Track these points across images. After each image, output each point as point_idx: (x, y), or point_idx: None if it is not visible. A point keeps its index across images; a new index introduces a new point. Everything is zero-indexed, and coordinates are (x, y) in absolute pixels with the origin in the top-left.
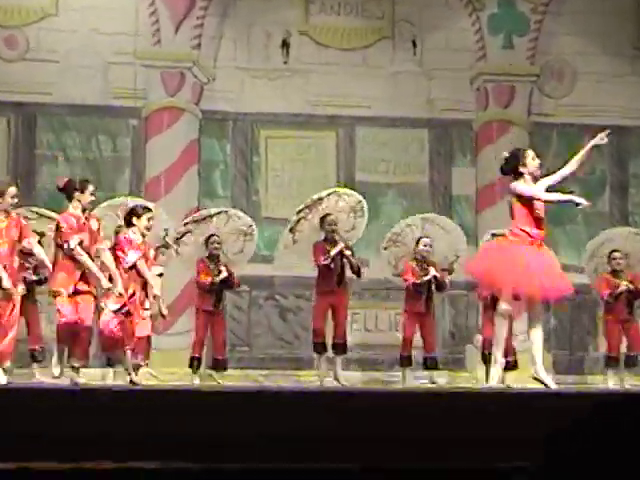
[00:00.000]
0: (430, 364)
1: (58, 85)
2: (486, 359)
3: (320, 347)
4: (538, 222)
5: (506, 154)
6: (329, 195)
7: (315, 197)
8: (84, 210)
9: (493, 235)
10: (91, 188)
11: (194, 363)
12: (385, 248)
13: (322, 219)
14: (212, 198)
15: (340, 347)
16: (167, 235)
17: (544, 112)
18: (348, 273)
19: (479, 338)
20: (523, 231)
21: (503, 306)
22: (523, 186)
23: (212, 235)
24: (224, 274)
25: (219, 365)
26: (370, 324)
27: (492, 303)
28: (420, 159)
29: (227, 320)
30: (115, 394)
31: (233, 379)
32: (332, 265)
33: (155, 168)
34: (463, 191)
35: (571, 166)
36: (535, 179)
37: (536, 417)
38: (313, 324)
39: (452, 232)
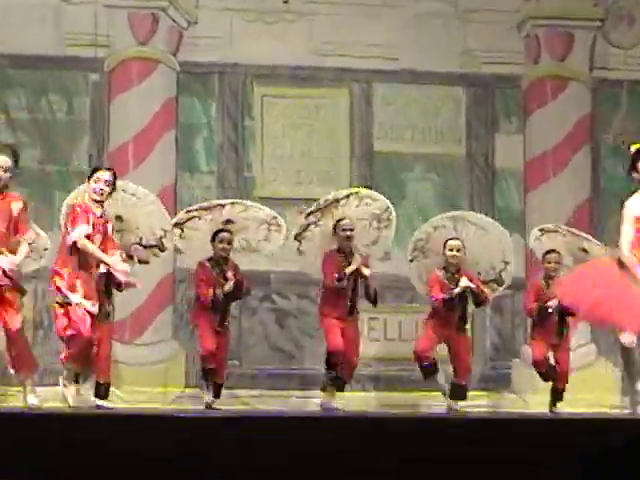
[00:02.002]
0: (458, 394)
1: None
2: (546, 379)
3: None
4: None
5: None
6: (348, 197)
7: (330, 197)
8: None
9: (542, 231)
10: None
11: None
12: (411, 260)
13: (336, 223)
14: (193, 172)
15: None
16: (165, 237)
17: (610, 66)
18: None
19: (528, 351)
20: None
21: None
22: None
23: (220, 231)
24: (230, 284)
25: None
26: (392, 332)
27: (540, 317)
28: (455, 124)
29: None
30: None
31: (217, 401)
32: (344, 286)
33: (121, 135)
34: (508, 164)
35: None
36: None
37: None
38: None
39: (492, 231)
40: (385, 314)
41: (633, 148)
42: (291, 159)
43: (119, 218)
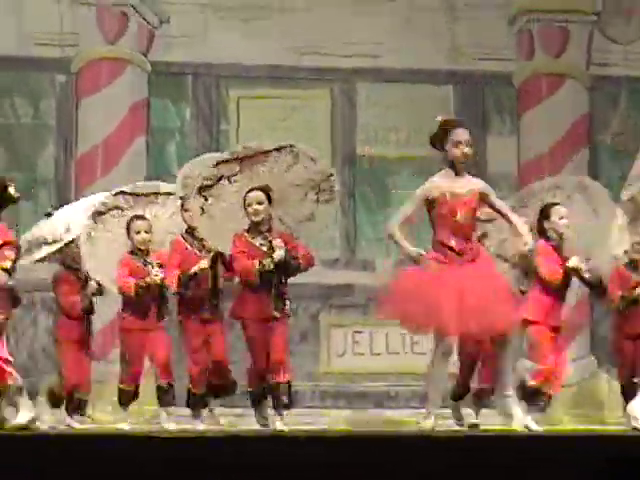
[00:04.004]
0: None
1: None
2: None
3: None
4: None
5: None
6: (280, 150)
7: (253, 146)
8: None
9: None
10: None
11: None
12: (514, 264)
13: (246, 193)
14: (165, 179)
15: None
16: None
17: (608, 62)
18: None
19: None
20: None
21: None
22: None
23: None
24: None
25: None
26: (378, 346)
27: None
28: None
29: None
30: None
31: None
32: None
33: (89, 139)
34: (501, 167)
35: None
36: None
37: None
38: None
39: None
40: (371, 327)
41: None
42: None
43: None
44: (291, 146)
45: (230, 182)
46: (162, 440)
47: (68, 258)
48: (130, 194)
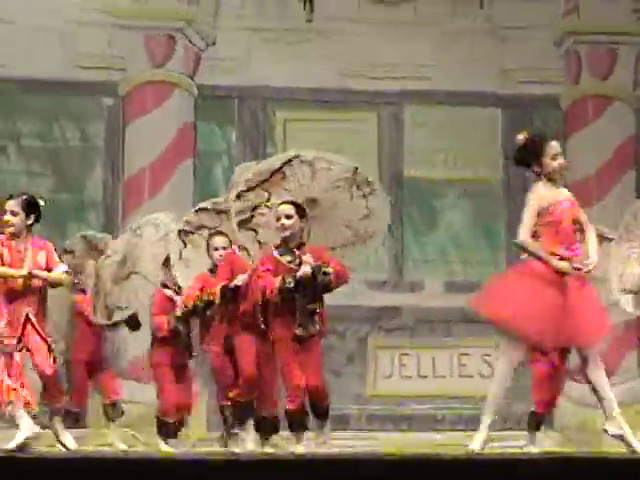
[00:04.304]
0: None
1: (8, 54)
2: None
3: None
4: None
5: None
6: (291, 163)
7: (264, 168)
8: None
9: None
10: None
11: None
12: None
13: (278, 206)
14: None
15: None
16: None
17: None
18: None
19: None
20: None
21: None
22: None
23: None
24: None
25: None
26: (425, 368)
27: None
28: (490, 148)
29: None
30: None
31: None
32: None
33: (136, 162)
34: None
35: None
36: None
37: None
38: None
39: None
40: (418, 349)
41: None
42: None
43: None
44: (296, 156)
45: (269, 208)
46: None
47: (167, 279)
48: (211, 210)
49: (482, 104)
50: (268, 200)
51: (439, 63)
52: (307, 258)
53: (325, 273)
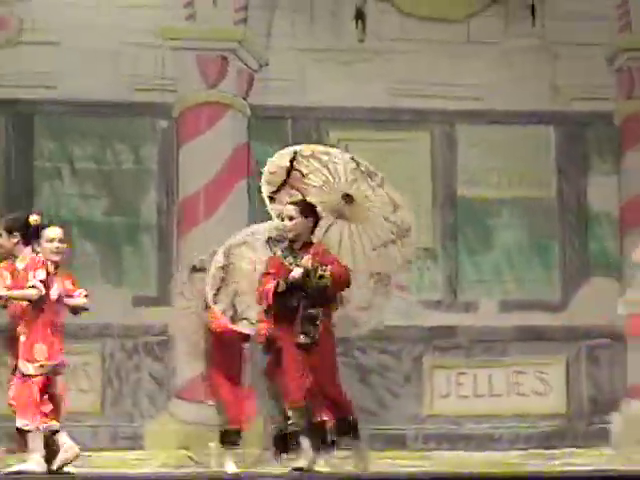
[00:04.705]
0: None
1: (60, 76)
2: None
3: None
4: None
5: None
6: (295, 159)
7: (274, 167)
8: None
9: None
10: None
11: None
12: None
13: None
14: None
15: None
16: None
17: None
18: None
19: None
20: None
21: None
22: None
23: None
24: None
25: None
26: (481, 388)
27: None
28: (544, 166)
29: None
30: None
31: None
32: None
33: (191, 184)
34: (603, 207)
35: None
36: None
37: None
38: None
39: None
40: (474, 369)
41: None
42: None
43: None
44: (295, 152)
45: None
46: None
47: None
48: None
49: (535, 122)
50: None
51: (491, 81)
52: (304, 260)
53: (321, 277)
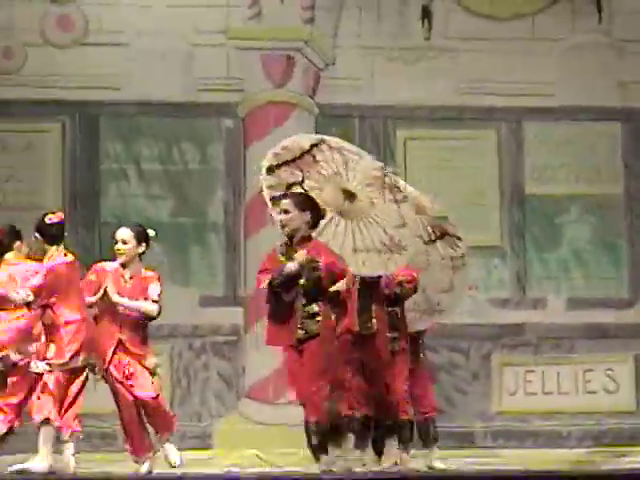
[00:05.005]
0: None
1: (127, 77)
2: None
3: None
4: None
5: None
6: (318, 145)
7: (294, 144)
8: None
9: None
10: None
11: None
12: None
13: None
14: None
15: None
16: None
17: None
18: None
19: None
20: None
21: None
22: None
23: None
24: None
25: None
26: (550, 385)
27: None
28: (612, 162)
29: None
30: None
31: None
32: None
33: (258, 184)
34: None
35: None
36: None
37: None
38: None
39: None
40: (542, 366)
41: None
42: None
43: None
44: (322, 140)
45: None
46: None
47: None
48: None
49: (602, 118)
50: (302, 181)
51: (558, 78)
52: (298, 255)
53: (314, 269)
